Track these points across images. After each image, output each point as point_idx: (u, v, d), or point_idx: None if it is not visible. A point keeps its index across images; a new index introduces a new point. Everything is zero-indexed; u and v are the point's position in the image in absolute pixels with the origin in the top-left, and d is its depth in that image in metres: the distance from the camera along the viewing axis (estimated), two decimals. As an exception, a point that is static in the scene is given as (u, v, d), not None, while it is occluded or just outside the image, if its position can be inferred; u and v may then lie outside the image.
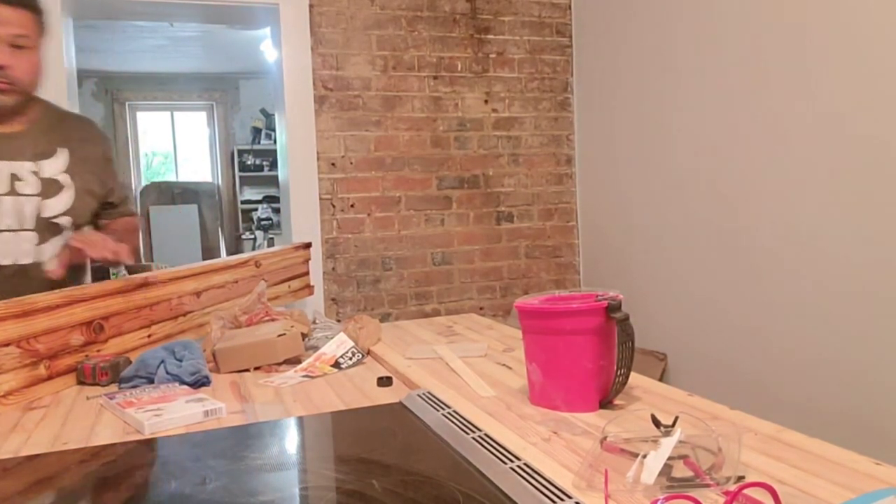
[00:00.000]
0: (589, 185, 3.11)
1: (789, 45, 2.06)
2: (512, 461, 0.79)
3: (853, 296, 1.91)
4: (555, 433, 0.90)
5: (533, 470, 0.76)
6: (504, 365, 1.29)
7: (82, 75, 6.60)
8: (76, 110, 2.66)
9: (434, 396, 1.06)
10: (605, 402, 1.00)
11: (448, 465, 0.82)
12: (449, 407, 1.00)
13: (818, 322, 2.02)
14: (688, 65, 2.47)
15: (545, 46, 3.11)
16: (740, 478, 0.73)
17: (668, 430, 0.81)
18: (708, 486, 0.70)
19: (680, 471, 0.74)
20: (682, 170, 2.53)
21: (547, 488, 0.71)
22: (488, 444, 0.85)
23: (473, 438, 0.86)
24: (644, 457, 0.74)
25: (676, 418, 0.84)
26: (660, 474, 0.72)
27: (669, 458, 0.75)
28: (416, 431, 0.94)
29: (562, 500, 0.69)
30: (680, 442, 0.78)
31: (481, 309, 3.05)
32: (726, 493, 0.67)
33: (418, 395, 1.07)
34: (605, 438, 0.82)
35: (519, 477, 0.74)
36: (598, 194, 3.04)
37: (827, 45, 1.94)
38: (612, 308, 0.98)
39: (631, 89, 2.78)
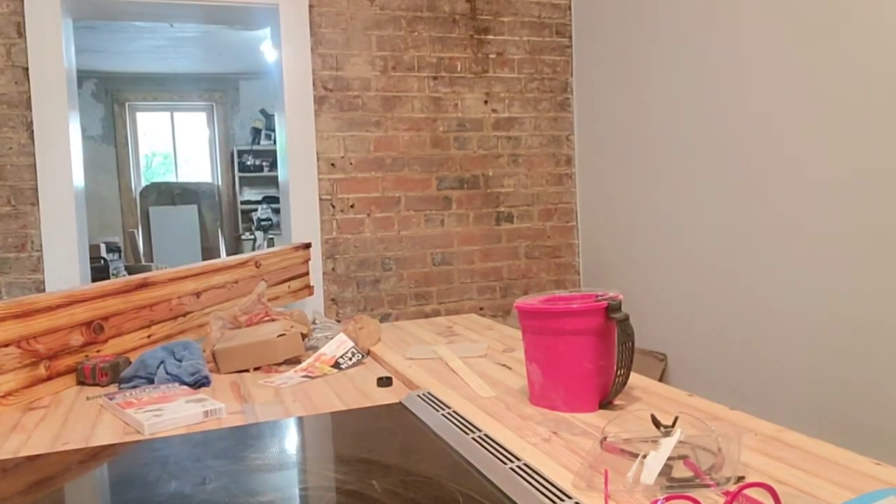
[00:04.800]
0: (589, 185, 3.11)
1: (791, 45, 2.06)
2: (512, 461, 0.79)
3: (853, 296, 1.91)
4: (555, 433, 0.90)
5: (533, 470, 0.76)
6: (504, 365, 1.29)
7: (82, 76, 6.61)
8: (76, 111, 2.66)
9: (434, 396, 1.06)
10: (605, 403, 1.00)
11: (448, 465, 0.82)
12: (449, 407, 1.00)
13: (818, 322, 2.02)
14: (687, 65, 2.47)
15: (545, 47, 3.12)
16: (740, 478, 0.73)
17: (667, 430, 0.81)
18: (708, 486, 0.70)
19: (680, 471, 0.74)
20: (681, 170, 2.53)
21: (547, 488, 0.71)
22: (488, 444, 0.85)
23: (473, 439, 0.87)
24: (644, 457, 0.74)
25: (676, 418, 0.84)
26: (660, 474, 0.72)
27: (669, 459, 0.75)
28: (416, 432, 0.94)
29: (562, 500, 0.69)
30: (680, 442, 0.78)
31: (481, 309, 3.05)
32: (726, 493, 0.67)
33: (418, 396, 1.07)
34: (604, 439, 0.82)
35: (519, 477, 0.74)
36: (598, 194, 3.04)
37: (828, 45, 1.94)
38: (612, 308, 0.98)
39: (630, 89, 2.78)
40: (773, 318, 2.17)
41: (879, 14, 1.79)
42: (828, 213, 1.97)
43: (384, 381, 1.20)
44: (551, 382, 1.00)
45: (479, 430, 0.90)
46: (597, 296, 1.02)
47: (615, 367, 0.99)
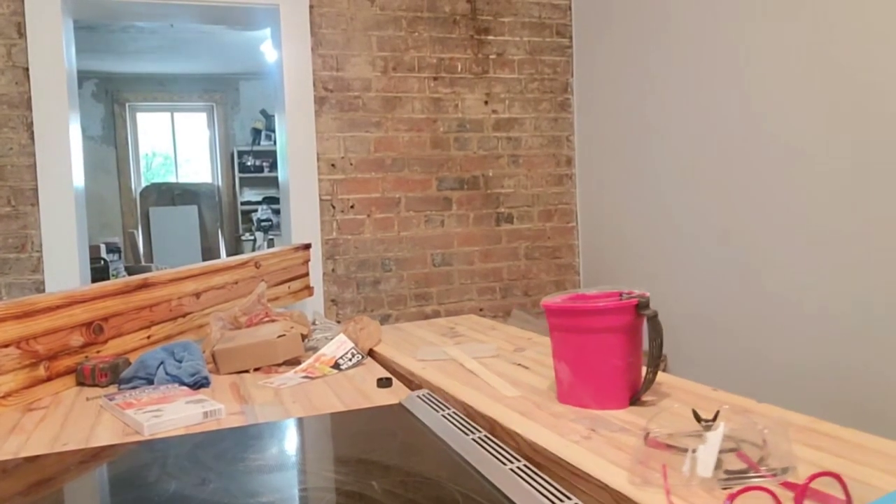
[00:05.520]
0: (589, 185, 3.11)
1: (790, 47, 2.06)
2: (512, 461, 0.79)
3: (855, 294, 1.91)
4: (593, 430, 0.90)
5: (533, 470, 0.76)
6: (520, 365, 1.28)
7: (82, 76, 6.61)
8: (76, 111, 2.66)
9: (434, 397, 1.06)
10: (634, 399, 1.01)
11: (448, 465, 0.82)
12: (449, 407, 1.00)
13: (820, 321, 2.02)
14: (688, 65, 2.47)
15: (545, 47, 3.12)
16: (791, 468, 0.73)
17: (708, 424, 0.81)
18: (763, 476, 0.70)
19: (732, 463, 0.74)
20: (681, 170, 2.53)
21: (547, 488, 0.71)
22: (488, 444, 0.85)
23: (473, 439, 0.86)
24: (693, 451, 0.74)
25: (717, 412, 0.85)
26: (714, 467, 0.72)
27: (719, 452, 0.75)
28: (415, 432, 0.94)
29: (561, 500, 0.69)
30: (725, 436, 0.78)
31: (481, 310, 3.05)
32: (788, 484, 0.67)
33: (418, 396, 1.06)
34: (648, 434, 0.82)
35: (519, 477, 0.74)
36: (598, 195, 3.04)
37: (828, 47, 1.94)
38: (642, 305, 0.99)
39: (631, 90, 2.78)
40: (774, 318, 2.17)
41: (880, 10, 1.79)
42: (829, 212, 1.97)
43: (384, 382, 1.20)
44: (581, 380, 1.01)
45: (480, 431, 0.89)
46: (621, 293, 1.03)
47: (646, 364, 1.00)
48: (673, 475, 0.73)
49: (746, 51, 2.22)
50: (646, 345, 1.00)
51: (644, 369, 1.01)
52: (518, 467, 0.77)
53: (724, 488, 0.69)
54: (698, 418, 0.84)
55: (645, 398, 1.03)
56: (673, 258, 2.60)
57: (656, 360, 0.99)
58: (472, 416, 1.03)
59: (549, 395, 1.07)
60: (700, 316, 2.48)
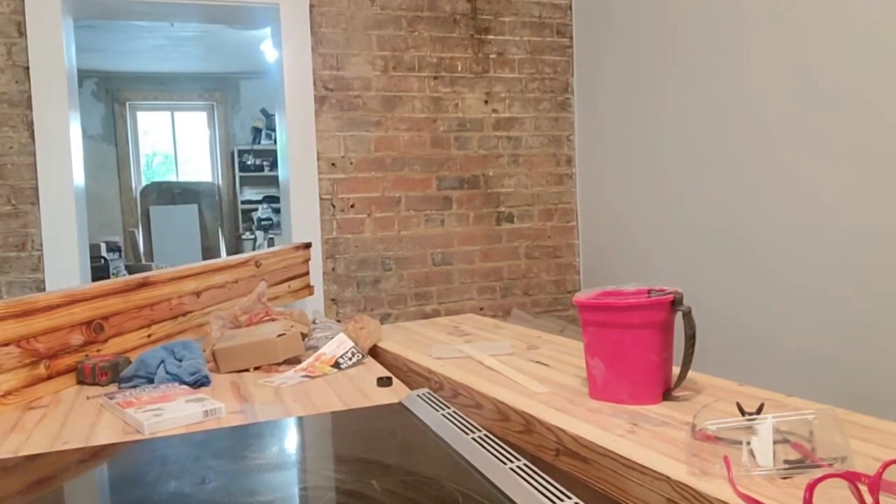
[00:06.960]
0: (589, 185, 3.11)
1: (789, 47, 2.06)
2: (512, 461, 0.79)
3: (856, 294, 1.91)
4: (635, 425, 0.91)
5: (532, 470, 0.76)
6: (539, 362, 1.28)
7: (82, 75, 6.60)
8: (77, 110, 2.66)
9: (434, 396, 1.06)
10: (667, 394, 1.02)
11: (448, 465, 0.82)
12: (449, 407, 1.00)
13: (821, 320, 2.02)
14: (688, 65, 2.47)
15: (545, 47, 3.11)
16: (847, 458, 0.73)
17: (752, 417, 0.82)
18: (820, 466, 0.70)
19: (787, 454, 0.75)
20: (681, 170, 2.53)
21: (547, 488, 0.71)
22: (488, 444, 0.85)
23: (473, 438, 0.86)
24: (748, 443, 0.74)
25: (762, 405, 0.85)
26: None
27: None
28: (415, 431, 0.94)
29: (561, 500, 0.69)
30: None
31: (481, 309, 3.05)
32: (851, 474, 0.67)
33: (418, 396, 1.06)
34: (695, 428, 0.82)
35: (519, 477, 0.74)
36: (599, 194, 3.04)
37: (827, 47, 1.94)
38: (678, 301, 0.99)
39: (631, 90, 2.78)
40: (775, 317, 2.17)
41: (884, 17, 1.79)
42: (828, 211, 1.97)
43: (384, 381, 1.20)
44: (616, 376, 1.01)
45: (480, 430, 0.90)
46: (650, 290, 1.03)
47: (680, 360, 1.01)
48: (732, 467, 0.74)
49: (746, 48, 2.22)
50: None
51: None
52: (518, 466, 0.77)
53: (784, 478, 0.70)
54: (742, 412, 0.84)
55: (675, 393, 1.04)
56: (673, 257, 2.60)
57: (690, 356, 1.00)
58: (505, 413, 1.03)
59: (578, 391, 1.08)
60: (701, 313, 2.48)
